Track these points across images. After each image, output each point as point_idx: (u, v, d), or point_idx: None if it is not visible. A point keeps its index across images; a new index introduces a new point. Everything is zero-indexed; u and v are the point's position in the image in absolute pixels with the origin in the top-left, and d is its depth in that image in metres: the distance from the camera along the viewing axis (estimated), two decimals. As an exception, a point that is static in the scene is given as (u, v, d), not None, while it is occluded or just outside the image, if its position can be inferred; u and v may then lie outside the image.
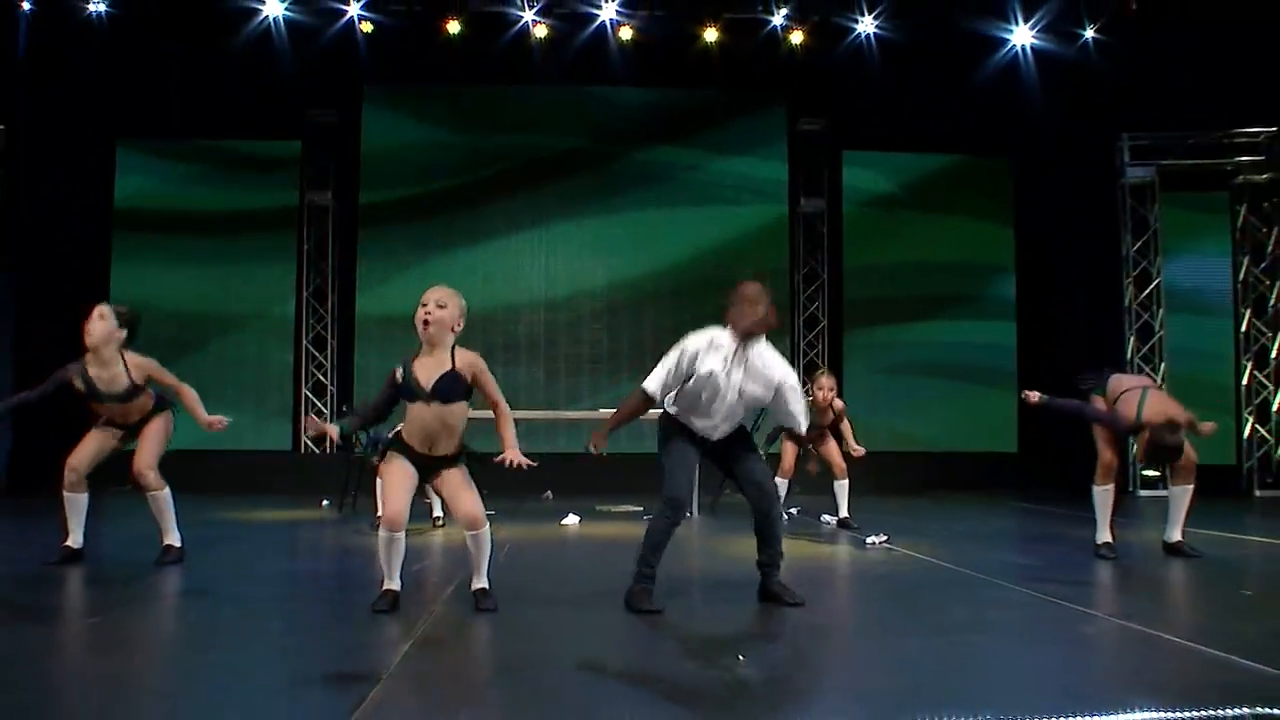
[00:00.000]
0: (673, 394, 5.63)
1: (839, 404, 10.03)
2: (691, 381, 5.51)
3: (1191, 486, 7.48)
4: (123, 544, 8.50)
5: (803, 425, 5.82)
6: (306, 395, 15.76)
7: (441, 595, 5.84)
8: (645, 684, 3.96)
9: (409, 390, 5.37)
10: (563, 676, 4.05)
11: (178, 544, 7.17)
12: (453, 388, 5.35)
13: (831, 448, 9.79)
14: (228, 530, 9.42)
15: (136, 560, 6.99)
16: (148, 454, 7.12)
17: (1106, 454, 7.57)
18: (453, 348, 5.41)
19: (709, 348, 5.51)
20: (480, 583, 5.51)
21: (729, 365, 5.48)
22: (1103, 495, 7.57)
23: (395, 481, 5.41)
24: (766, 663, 4.35)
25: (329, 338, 15.88)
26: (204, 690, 3.92)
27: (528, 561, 7.36)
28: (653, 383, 5.57)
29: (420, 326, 5.34)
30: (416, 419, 5.38)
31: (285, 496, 12.85)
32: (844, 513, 9.84)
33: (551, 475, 12.48)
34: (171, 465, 7.14)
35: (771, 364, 5.59)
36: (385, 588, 5.42)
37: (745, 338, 5.48)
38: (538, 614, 5.38)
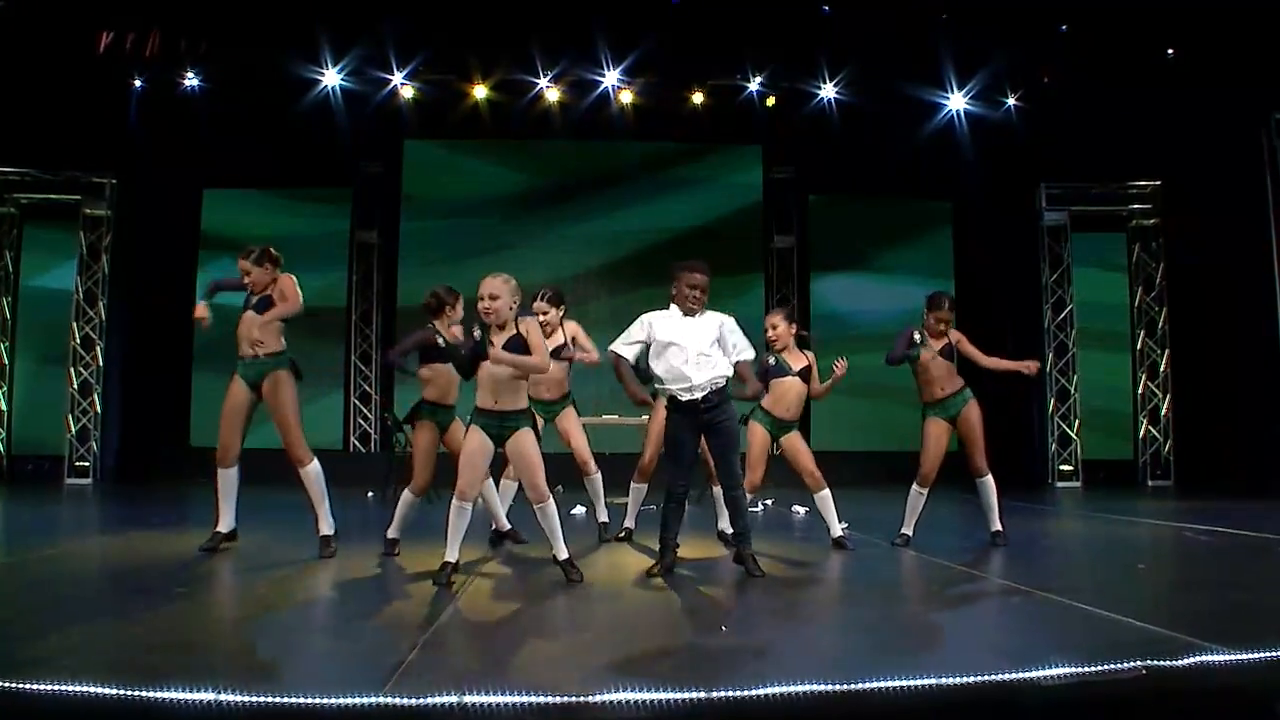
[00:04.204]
0: (655, 366, 5.79)
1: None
2: (655, 346, 5.75)
3: None
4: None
5: (751, 352, 5.95)
6: (355, 402, 15.91)
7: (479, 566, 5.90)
8: (643, 648, 3.91)
9: (484, 355, 5.41)
10: (574, 641, 4.07)
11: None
12: (517, 350, 5.39)
13: (799, 448, 7.24)
14: (291, 515, 9.41)
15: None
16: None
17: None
18: (516, 320, 5.48)
19: (660, 319, 5.84)
20: (560, 553, 5.54)
21: (681, 324, 5.77)
22: None
23: (469, 457, 5.42)
24: (746, 631, 4.35)
25: (373, 352, 16.03)
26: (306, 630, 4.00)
27: (543, 544, 7.26)
28: (618, 344, 5.88)
29: (483, 316, 5.44)
30: (488, 378, 5.41)
31: (335, 489, 12.78)
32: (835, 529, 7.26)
33: (562, 472, 12.64)
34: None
35: (712, 314, 5.88)
36: (445, 559, 5.34)
37: (687, 313, 5.81)
38: (553, 588, 5.35)
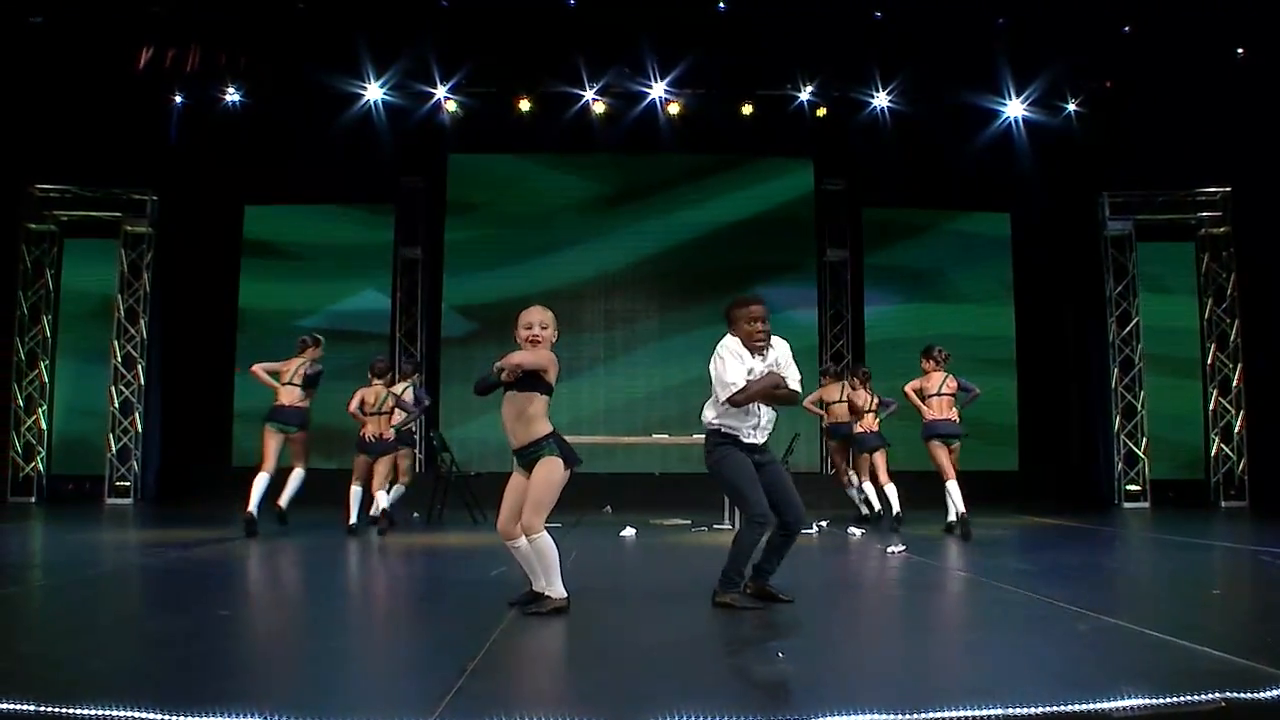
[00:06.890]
0: (724, 406, 5.43)
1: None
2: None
3: None
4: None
5: (798, 384, 5.57)
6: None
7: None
8: (698, 674, 3.90)
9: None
10: (626, 666, 4.03)
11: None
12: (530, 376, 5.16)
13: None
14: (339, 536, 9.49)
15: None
16: None
17: None
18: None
19: (739, 353, 5.45)
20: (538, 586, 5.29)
21: (754, 362, 5.44)
22: None
23: (505, 494, 5.27)
24: (802, 657, 4.27)
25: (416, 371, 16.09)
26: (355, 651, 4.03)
27: (592, 567, 7.27)
28: (733, 382, 5.35)
29: (526, 345, 5.24)
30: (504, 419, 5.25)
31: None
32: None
33: (610, 492, 12.72)
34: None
35: (775, 341, 5.58)
36: (533, 590, 5.24)
37: (755, 350, 5.46)
38: (603, 611, 5.36)
